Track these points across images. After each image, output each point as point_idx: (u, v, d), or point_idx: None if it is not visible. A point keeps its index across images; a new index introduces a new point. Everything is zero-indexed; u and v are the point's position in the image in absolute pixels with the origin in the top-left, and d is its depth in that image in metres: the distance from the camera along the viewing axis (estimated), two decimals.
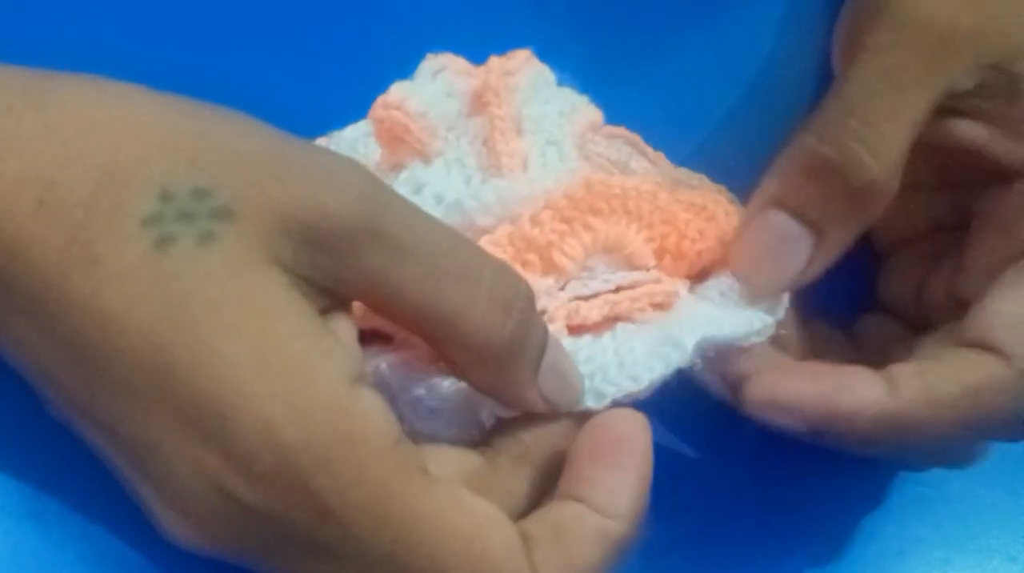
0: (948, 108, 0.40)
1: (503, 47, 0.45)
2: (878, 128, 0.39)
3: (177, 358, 0.33)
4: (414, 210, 0.36)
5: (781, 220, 0.40)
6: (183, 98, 0.37)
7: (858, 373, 0.39)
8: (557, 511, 0.36)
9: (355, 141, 0.44)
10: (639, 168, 0.44)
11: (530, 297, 0.37)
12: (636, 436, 0.37)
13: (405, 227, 0.35)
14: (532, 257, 0.40)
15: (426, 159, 0.42)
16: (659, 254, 0.41)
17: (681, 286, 0.41)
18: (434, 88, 0.43)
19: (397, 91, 0.42)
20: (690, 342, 0.39)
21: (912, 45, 0.39)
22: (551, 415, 0.38)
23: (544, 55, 0.44)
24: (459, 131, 0.42)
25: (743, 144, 0.47)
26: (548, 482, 0.38)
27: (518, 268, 0.40)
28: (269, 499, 0.34)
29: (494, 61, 0.43)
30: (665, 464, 0.43)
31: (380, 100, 0.42)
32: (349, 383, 0.34)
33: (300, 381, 0.34)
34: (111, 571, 0.40)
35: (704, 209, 0.42)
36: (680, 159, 0.45)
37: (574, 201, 0.41)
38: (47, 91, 0.36)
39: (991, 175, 0.41)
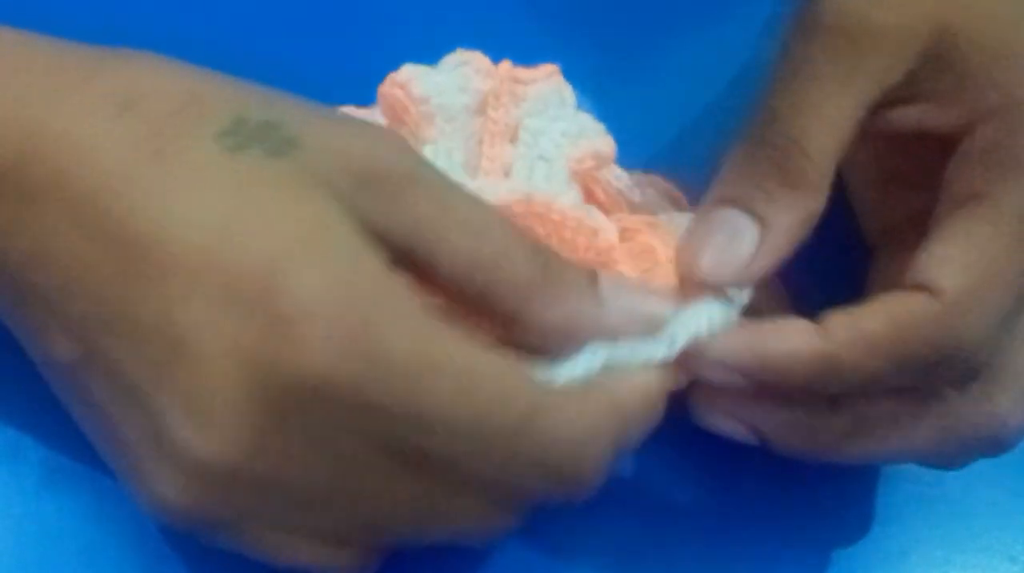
0: (882, 101, 0.41)
1: (504, 49, 0.45)
2: (805, 126, 0.40)
3: (229, 236, 0.35)
4: (444, 174, 0.38)
5: (726, 213, 0.40)
6: None
7: (789, 322, 0.40)
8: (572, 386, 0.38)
9: None
10: (667, 220, 0.43)
11: (544, 243, 0.39)
12: None
13: (443, 184, 0.38)
14: None
15: (417, 143, 0.42)
16: None
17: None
18: (448, 79, 0.43)
19: (406, 72, 0.42)
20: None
21: (828, 56, 0.40)
22: None
23: (544, 57, 0.44)
24: (459, 125, 0.42)
25: None
26: None
27: None
28: (314, 362, 0.34)
29: (505, 66, 0.43)
30: (665, 461, 0.44)
31: (389, 77, 0.43)
32: (388, 267, 0.36)
33: (345, 260, 0.35)
34: (111, 567, 0.40)
35: (652, 253, 0.41)
36: (679, 160, 0.45)
37: (509, 214, 0.40)
38: (129, 50, 0.38)
39: (941, 149, 0.42)
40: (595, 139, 0.43)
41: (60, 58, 0.38)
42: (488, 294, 0.37)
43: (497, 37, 0.48)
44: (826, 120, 0.40)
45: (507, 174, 0.42)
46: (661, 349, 0.38)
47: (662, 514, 0.44)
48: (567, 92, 0.44)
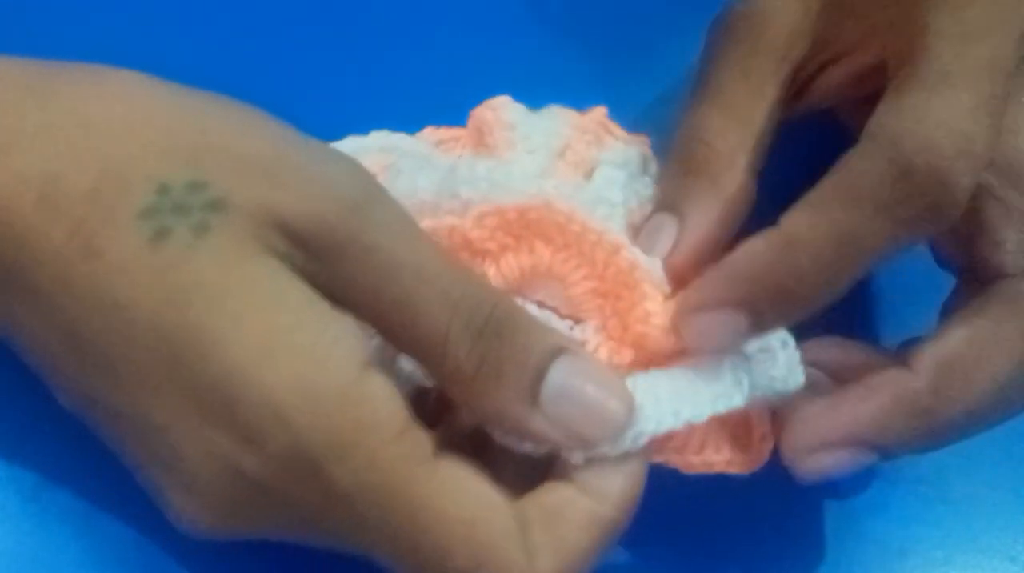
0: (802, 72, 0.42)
1: (504, 49, 0.45)
2: (703, 118, 0.41)
3: (183, 347, 0.34)
4: (405, 222, 0.37)
5: (654, 217, 0.41)
6: (186, 90, 0.37)
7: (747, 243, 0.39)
8: (549, 493, 0.37)
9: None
10: None
11: (506, 320, 0.36)
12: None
13: (393, 242, 0.36)
14: (464, 257, 0.39)
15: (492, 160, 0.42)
16: (603, 313, 0.40)
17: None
18: (540, 119, 0.43)
19: (503, 100, 0.43)
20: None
21: (724, 50, 0.42)
22: None
23: (546, 57, 0.44)
24: (538, 158, 0.42)
25: None
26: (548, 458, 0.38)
27: None
28: (280, 478, 0.35)
29: (599, 111, 0.44)
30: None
31: (486, 101, 0.43)
32: (359, 369, 0.35)
33: (308, 368, 0.34)
34: (110, 569, 0.40)
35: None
36: None
37: (525, 220, 0.39)
38: (51, 86, 0.37)
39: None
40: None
41: None
42: (422, 366, 0.37)
43: (498, 38, 0.48)
44: (724, 108, 0.41)
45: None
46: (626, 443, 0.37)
47: (657, 513, 0.44)
48: (652, 163, 0.44)
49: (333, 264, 0.35)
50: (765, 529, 0.44)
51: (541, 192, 0.39)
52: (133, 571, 0.40)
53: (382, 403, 0.35)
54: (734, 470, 0.41)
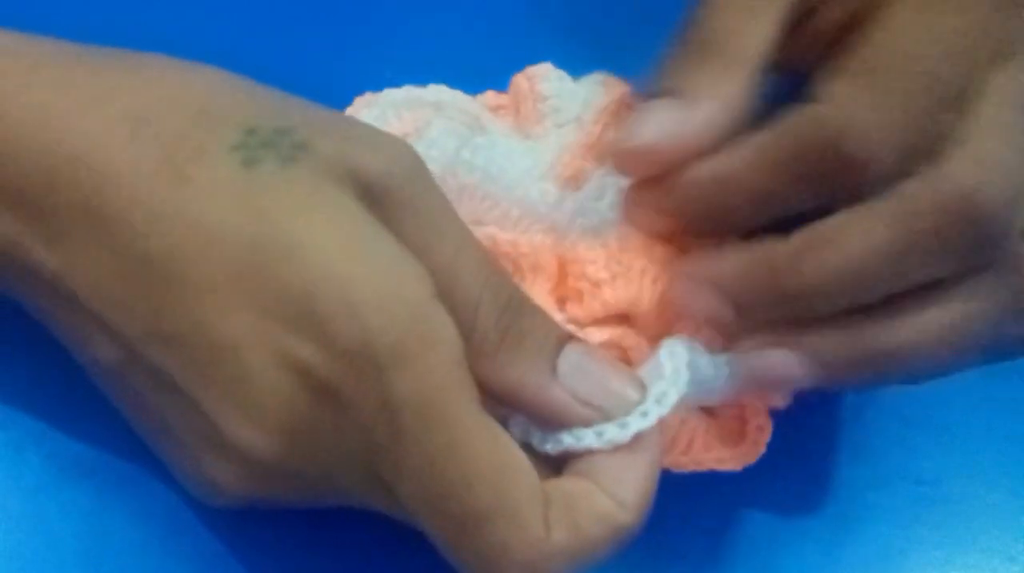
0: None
1: (503, 46, 0.45)
2: (720, 20, 0.40)
3: (266, 252, 0.35)
4: (446, 198, 0.38)
5: (649, 103, 0.40)
6: None
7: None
8: (569, 483, 0.38)
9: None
10: None
11: (523, 302, 0.38)
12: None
13: (442, 210, 0.38)
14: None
15: (521, 133, 0.43)
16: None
17: None
18: (576, 88, 0.43)
19: (543, 68, 0.43)
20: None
21: None
22: None
23: (544, 56, 0.44)
24: (565, 132, 0.42)
25: None
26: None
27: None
28: (343, 376, 0.35)
29: (624, 90, 0.43)
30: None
31: (527, 68, 0.44)
32: (431, 290, 0.36)
33: (389, 273, 0.35)
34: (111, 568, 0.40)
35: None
36: None
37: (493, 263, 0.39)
38: (141, 55, 0.39)
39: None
40: None
41: (67, 71, 0.38)
42: None
43: (497, 35, 0.49)
44: (739, 14, 0.40)
45: (578, 188, 0.41)
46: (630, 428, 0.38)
47: (659, 512, 0.44)
48: None
49: (391, 220, 0.37)
50: (764, 530, 0.44)
51: (527, 199, 0.40)
52: (134, 570, 0.40)
53: (449, 329, 0.36)
54: (726, 467, 0.41)
